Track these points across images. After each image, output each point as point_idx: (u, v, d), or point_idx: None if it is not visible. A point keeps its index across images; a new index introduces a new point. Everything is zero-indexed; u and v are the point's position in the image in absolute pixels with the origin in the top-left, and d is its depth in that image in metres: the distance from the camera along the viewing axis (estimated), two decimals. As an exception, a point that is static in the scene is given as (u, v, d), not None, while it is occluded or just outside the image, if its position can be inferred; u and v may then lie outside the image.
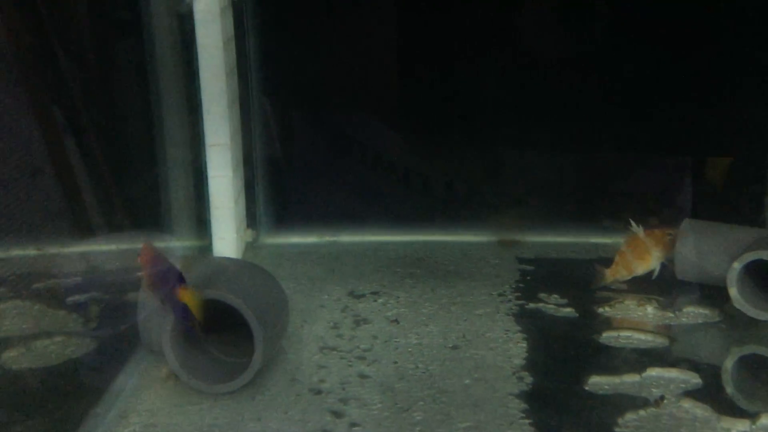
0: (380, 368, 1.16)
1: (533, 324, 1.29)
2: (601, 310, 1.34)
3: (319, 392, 1.10)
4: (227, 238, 1.52)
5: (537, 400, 1.07)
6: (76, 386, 1.13)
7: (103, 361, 1.19)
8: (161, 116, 1.48)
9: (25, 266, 1.48)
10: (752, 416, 1.02)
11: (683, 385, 1.10)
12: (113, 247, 1.55)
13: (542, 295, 1.39)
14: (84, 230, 1.56)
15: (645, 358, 1.18)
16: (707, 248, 1.36)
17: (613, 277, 1.40)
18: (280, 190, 1.70)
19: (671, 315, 1.32)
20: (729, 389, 1.10)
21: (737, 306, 1.27)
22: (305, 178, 1.74)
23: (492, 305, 1.36)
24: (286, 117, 1.70)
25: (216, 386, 1.09)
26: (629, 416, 1.02)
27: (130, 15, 1.47)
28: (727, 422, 1.01)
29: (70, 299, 1.36)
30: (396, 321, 1.31)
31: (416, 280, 1.48)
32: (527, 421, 1.02)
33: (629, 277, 1.41)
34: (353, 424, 1.02)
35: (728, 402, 1.07)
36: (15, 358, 1.17)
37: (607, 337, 1.25)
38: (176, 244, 1.53)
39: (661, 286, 1.40)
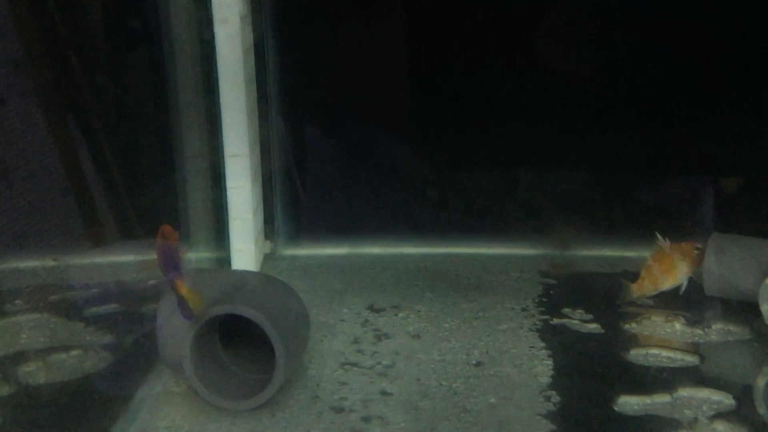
0: (403, 385, 1.14)
1: (558, 340, 1.26)
2: (627, 326, 1.31)
3: (341, 410, 1.08)
4: (245, 249, 1.50)
5: (565, 421, 1.04)
6: (95, 402, 1.11)
7: (121, 375, 1.17)
8: (180, 126, 1.46)
9: (41, 277, 1.47)
10: (789, 439, 0.99)
11: (716, 406, 1.07)
12: (131, 257, 1.54)
13: (566, 310, 1.36)
14: (101, 241, 1.55)
15: (675, 376, 1.15)
16: (736, 263, 1.33)
17: (640, 292, 1.37)
18: (298, 201, 1.68)
19: (700, 332, 1.28)
20: (763, 410, 1.07)
21: (769, 323, 1.24)
22: (323, 189, 1.72)
23: (515, 320, 1.33)
24: (304, 128, 1.69)
25: (236, 403, 1.07)
26: (661, 439, 1.00)
27: (150, 25, 1.46)
28: (763, 445, 0.98)
29: (88, 311, 1.34)
30: (418, 336, 1.29)
31: (437, 293, 1.45)
32: (556, 442, 0.99)
33: (656, 292, 1.38)
34: (377, 444, 1.00)
35: (763, 424, 1.03)
36: (32, 373, 1.16)
37: (635, 354, 1.22)
38: (194, 255, 1.51)
39: (689, 301, 1.37)
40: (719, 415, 1.04)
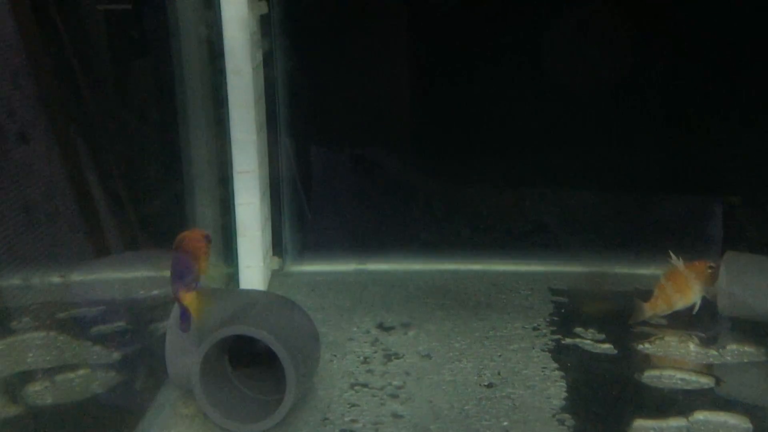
0: (414, 407, 1.12)
1: (571, 361, 1.24)
2: (641, 346, 1.29)
3: (351, 433, 1.06)
4: (253, 266, 1.49)
5: (580, 446, 1.02)
6: (103, 424, 1.10)
7: (129, 396, 1.16)
8: (189, 143, 1.46)
9: (48, 294, 1.46)
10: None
11: (734, 431, 1.05)
12: (138, 274, 1.53)
13: (578, 330, 1.35)
14: (109, 257, 1.54)
15: (690, 399, 1.13)
16: (751, 282, 1.31)
17: (653, 311, 1.35)
18: (306, 218, 1.67)
19: (715, 353, 1.27)
20: (781, 435, 1.05)
21: (785, 344, 1.23)
22: (331, 205, 1.71)
23: (527, 340, 1.32)
24: (312, 144, 1.68)
25: (246, 425, 1.05)
26: (678, 464, 0.98)
27: (159, 40, 1.46)
28: (782, 472, 0.96)
29: (95, 329, 1.33)
30: (428, 356, 1.27)
31: (447, 311, 1.44)
32: (571, 468, 0.98)
33: (669, 312, 1.36)
34: (388, 469, 0.98)
35: (782, 449, 1.02)
36: (39, 393, 1.14)
37: (649, 376, 1.20)
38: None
39: (703, 321, 1.35)
40: (737, 440, 1.03)
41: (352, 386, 1.18)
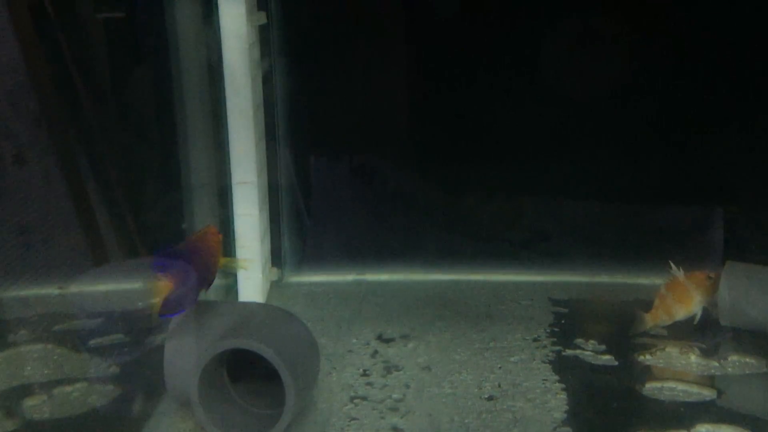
0: (414, 421, 1.11)
1: (572, 373, 1.24)
2: (641, 357, 1.28)
3: (351, 447, 1.06)
4: (252, 277, 1.48)
5: (581, 459, 1.02)
6: (100, 439, 1.09)
7: (127, 411, 1.15)
8: (188, 154, 1.45)
9: (46, 306, 1.46)
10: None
11: (736, 444, 1.05)
12: (136, 286, 1.52)
13: (579, 341, 1.34)
14: (108, 269, 1.54)
15: (692, 411, 1.12)
16: (752, 292, 1.31)
17: (653, 322, 1.35)
18: (305, 228, 1.67)
19: (716, 364, 1.26)
20: (784, 448, 1.04)
21: (786, 355, 1.22)
22: (330, 216, 1.71)
23: (527, 351, 1.31)
24: (311, 155, 1.67)
25: (244, 440, 1.05)
26: (681, 478, 0.97)
27: (157, 52, 1.46)
28: (785, 486, 0.96)
29: (93, 342, 1.33)
30: (428, 368, 1.26)
31: (446, 322, 1.43)
32: (572, 482, 0.97)
33: (670, 322, 1.35)
34: (389, 484, 0.98)
35: (785, 462, 1.01)
36: (37, 407, 1.14)
37: (651, 388, 1.19)
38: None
39: (703, 331, 1.35)
40: (739, 453, 1.02)
41: (351, 399, 1.17)
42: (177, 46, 1.39)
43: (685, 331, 1.35)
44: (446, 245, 1.70)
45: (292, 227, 1.64)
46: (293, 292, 1.59)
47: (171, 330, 1.12)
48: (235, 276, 1.48)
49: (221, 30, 1.36)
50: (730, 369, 1.25)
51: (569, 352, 1.31)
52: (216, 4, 1.34)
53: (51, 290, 1.48)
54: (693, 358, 1.28)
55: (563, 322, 1.42)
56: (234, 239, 1.46)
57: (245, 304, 1.35)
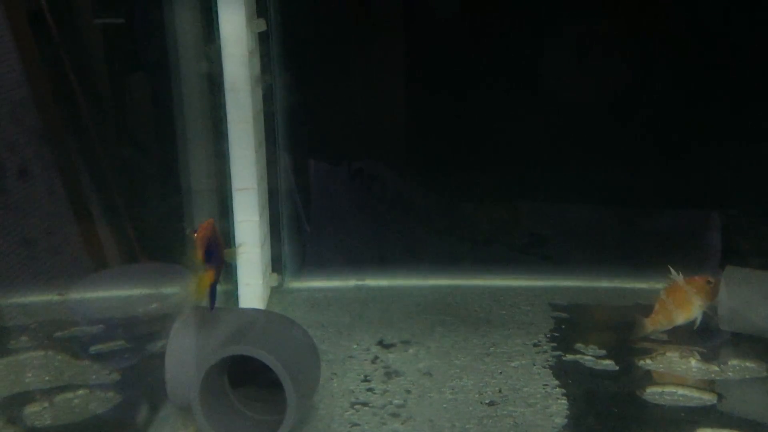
0: (415, 426, 1.11)
1: (572, 378, 1.24)
2: (641, 362, 1.29)
3: (352, 453, 1.06)
4: (253, 283, 1.48)
5: (583, 465, 1.02)
6: (101, 446, 1.09)
7: (128, 417, 1.15)
8: (188, 161, 1.46)
9: (47, 313, 1.46)
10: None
11: (737, 449, 1.05)
12: (137, 292, 1.52)
13: (579, 346, 1.34)
14: (107, 274, 1.54)
15: (693, 416, 1.12)
16: (752, 297, 1.31)
17: (653, 327, 1.35)
18: (305, 233, 1.67)
19: (716, 369, 1.26)
20: (784, 452, 1.05)
21: (786, 359, 1.22)
22: (330, 221, 1.71)
23: (528, 357, 1.31)
24: (311, 161, 1.68)
25: (245, 446, 1.05)
26: (682, 483, 0.97)
27: (156, 59, 1.46)
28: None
29: (94, 349, 1.33)
30: (429, 373, 1.27)
31: (447, 328, 1.43)
32: (574, 487, 0.97)
33: (670, 327, 1.36)
34: (390, 490, 0.98)
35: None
36: (38, 414, 1.14)
37: (651, 392, 1.20)
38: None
39: (703, 336, 1.35)
40: (740, 458, 1.02)
41: (352, 405, 1.17)
42: (177, 54, 1.40)
43: (685, 336, 1.35)
44: (446, 250, 1.70)
45: (292, 233, 1.65)
46: (293, 297, 1.59)
47: (172, 336, 1.12)
48: (235, 282, 1.48)
49: (221, 37, 1.36)
50: (730, 373, 1.25)
51: (570, 357, 1.31)
52: (216, 11, 1.35)
53: (51, 297, 1.48)
54: (693, 362, 1.28)
55: (563, 327, 1.43)
56: (234, 245, 1.46)
57: (246, 310, 1.35)
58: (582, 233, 1.68)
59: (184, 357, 1.10)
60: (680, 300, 1.35)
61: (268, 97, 1.52)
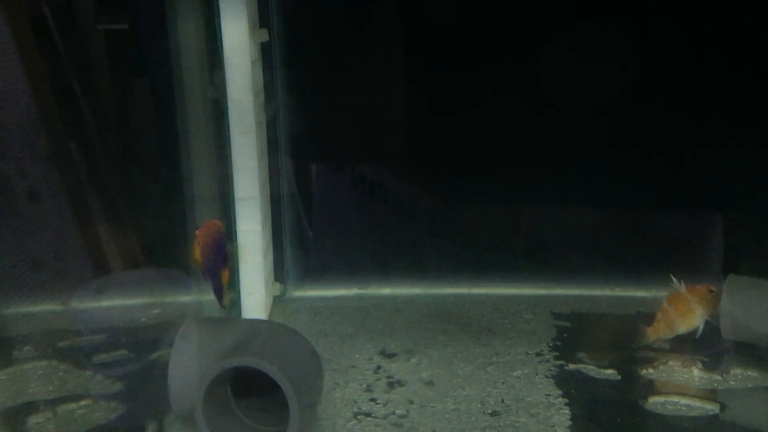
0: (418, 437, 1.12)
1: (575, 387, 1.24)
2: (644, 372, 1.29)
3: (355, 464, 1.06)
4: (255, 292, 1.49)
5: (585, 475, 1.02)
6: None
7: (131, 427, 1.15)
8: (190, 171, 1.46)
9: (50, 322, 1.46)
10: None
11: (739, 459, 1.05)
12: (140, 301, 1.53)
13: (581, 355, 1.34)
14: (110, 282, 1.54)
15: (696, 426, 1.12)
16: (754, 305, 1.31)
17: (655, 336, 1.35)
18: (307, 243, 1.67)
19: (719, 378, 1.26)
20: (787, 462, 1.05)
21: (789, 369, 1.22)
22: (333, 230, 1.71)
23: (530, 366, 1.31)
24: (313, 169, 1.68)
25: (248, 457, 1.05)
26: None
27: (159, 68, 1.47)
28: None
29: (97, 358, 1.33)
30: (431, 383, 1.27)
31: (449, 337, 1.44)
32: (576, 498, 0.97)
33: (672, 336, 1.36)
34: (393, 501, 0.98)
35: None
36: (42, 425, 1.14)
37: (654, 402, 1.20)
38: (204, 299, 1.50)
39: (705, 345, 1.35)
40: (743, 469, 1.02)
41: (355, 415, 1.17)
42: (180, 64, 1.40)
43: (688, 345, 1.35)
44: (448, 258, 1.70)
45: (294, 242, 1.65)
46: (296, 306, 1.59)
47: (175, 346, 1.13)
48: (238, 291, 1.48)
49: (224, 46, 1.37)
50: (732, 382, 1.25)
51: (572, 366, 1.31)
52: (218, 22, 1.35)
53: (54, 306, 1.49)
54: (695, 371, 1.28)
55: (566, 336, 1.43)
56: (237, 255, 1.47)
57: (248, 320, 1.35)
58: (584, 241, 1.68)
59: (188, 367, 1.11)
60: (682, 309, 1.35)
61: (270, 107, 1.53)
